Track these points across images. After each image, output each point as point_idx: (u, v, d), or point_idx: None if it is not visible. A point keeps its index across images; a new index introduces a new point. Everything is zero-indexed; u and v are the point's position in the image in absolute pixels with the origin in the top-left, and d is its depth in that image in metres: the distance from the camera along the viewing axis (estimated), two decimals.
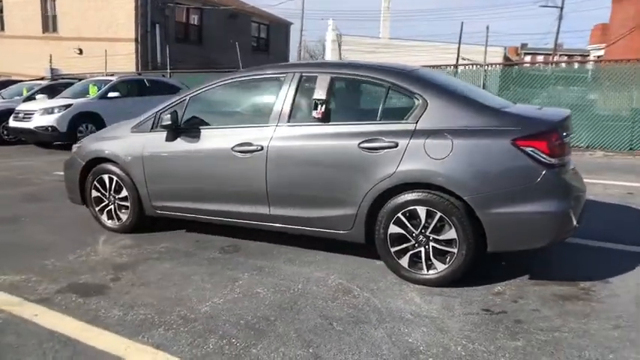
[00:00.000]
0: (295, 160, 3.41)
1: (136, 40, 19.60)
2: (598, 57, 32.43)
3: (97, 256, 3.83)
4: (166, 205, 4.01)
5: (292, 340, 2.56)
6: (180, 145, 3.81)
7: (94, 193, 4.34)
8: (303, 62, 3.84)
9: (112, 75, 13.40)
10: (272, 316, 2.82)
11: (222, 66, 17.76)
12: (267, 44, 27.01)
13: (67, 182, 4.58)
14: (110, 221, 4.34)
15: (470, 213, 2.97)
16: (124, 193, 4.18)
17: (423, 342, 2.53)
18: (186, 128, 3.80)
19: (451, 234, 3.01)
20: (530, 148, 2.83)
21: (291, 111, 3.47)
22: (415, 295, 3.07)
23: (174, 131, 3.80)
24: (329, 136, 3.32)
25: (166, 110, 3.95)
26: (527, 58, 48.55)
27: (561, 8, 36.22)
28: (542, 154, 2.82)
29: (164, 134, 3.89)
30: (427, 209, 3.05)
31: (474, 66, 12.03)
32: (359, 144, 3.18)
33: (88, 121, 10.66)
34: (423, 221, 3.07)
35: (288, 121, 3.46)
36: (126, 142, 4.11)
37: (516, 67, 17.61)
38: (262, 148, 3.47)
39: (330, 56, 29.97)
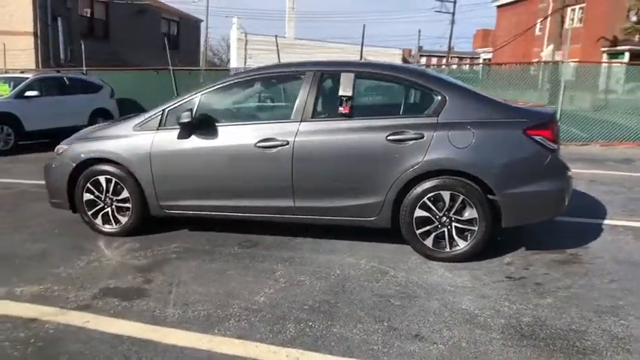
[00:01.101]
0: (323, 153, 3.58)
1: (35, 34, 17.71)
2: (485, 59, 36.15)
3: (109, 260, 3.66)
4: (178, 205, 3.93)
5: (363, 318, 2.77)
6: (196, 142, 3.77)
7: (87, 197, 4.09)
8: (321, 61, 4.00)
9: (22, 72, 12.06)
10: (331, 300, 2.99)
11: (134, 64, 16.88)
12: (178, 42, 26.00)
13: (50, 186, 4.24)
14: (107, 225, 4.12)
15: (487, 194, 3.40)
16: (125, 194, 4.01)
17: (474, 307, 2.90)
18: (201, 125, 3.75)
19: (472, 214, 3.42)
20: (539, 137, 3.34)
21: (315, 107, 3.63)
22: (444, 271, 3.43)
23: (190, 129, 3.74)
24: (356, 130, 3.55)
25: (175, 108, 3.88)
26: (423, 60, 52.33)
27: (453, 14, 39.65)
28: (547, 142, 3.35)
29: (175, 132, 3.82)
30: (451, 193, 3.43)
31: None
32: (386, 137, 3.46)
33: (1, 122, 9.57)
34: (447, 204, 3.44)
35: (313, 117, 3.62)
36: (128, 141, 3.94)
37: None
38: (288, 143, 3.59)
39: (235, 55, 29.62)
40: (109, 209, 4.09)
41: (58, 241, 4.06)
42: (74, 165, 4.05)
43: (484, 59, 35.25)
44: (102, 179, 4.03)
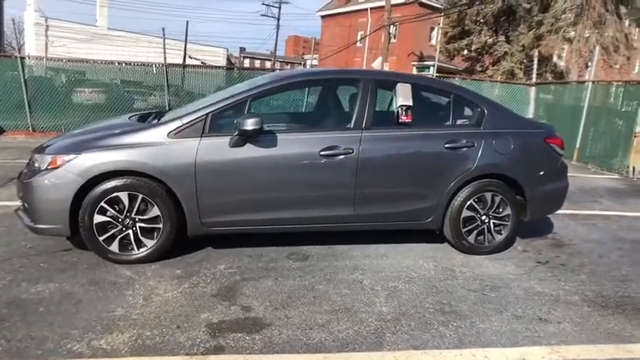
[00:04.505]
0: (387, 161, 3.69)
1: None
2: (312, 66, 38.66)
3: (169, 293, 3.08)
4: (225, 220, 3.52)
5: (485, 312, 3.06)
6: (253, 150, 3.44)
7: (99, 218, 3.33)
8: (372, 70, 4.05)
9: None
10: (443, 300, 3.19)
11: None
12: None
13: (40, 208, 3.30)
14: (128, 251, 3.42)
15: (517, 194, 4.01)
16: (154, 212, 3.40)
17: (547, 289, 3.46)
18: (257, 132, 3.43)
19: (507, 211, 3.99)
20: (553, 144, 4.09)
21: (374, 115, 3.71)
22: (491, 263, 3.93)
23: (247, 136, 3.40)
24: (416, 138, 3.76)
25: (221, 112, 3.49)
26: (247, 61, 53.07)
27: (278, 19, 41.24)
28: (558, 148, 4.13)
29: (225, 139, 3.42)
30: (492, 194, 3.93)
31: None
32: (444, 144, 3.77)
33: None
34: (489, 204, 3.94)
35: (374, 125, 3.69)
36: (164, 149, 3.35)
37: (236, 70, 17.57)
38: (353, 151, 3.59)
39: (33, 42, 25.46)
40: (129, 232, 3.41)
41: (65, 278, 3.21)
42: (83, 181, 3.25)
43: (310, 65, 37.64)
44: (123, 196, 3.33)
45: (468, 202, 3.90)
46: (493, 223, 4.01)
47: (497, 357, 2.55)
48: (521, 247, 4.38)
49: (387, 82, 3.91)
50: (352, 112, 3.73)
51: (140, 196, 3.36)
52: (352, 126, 3.68)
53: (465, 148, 3.82)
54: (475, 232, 3.98)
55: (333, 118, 4.02)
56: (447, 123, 3.97)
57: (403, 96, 3.75)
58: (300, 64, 43.50)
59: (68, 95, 11.33)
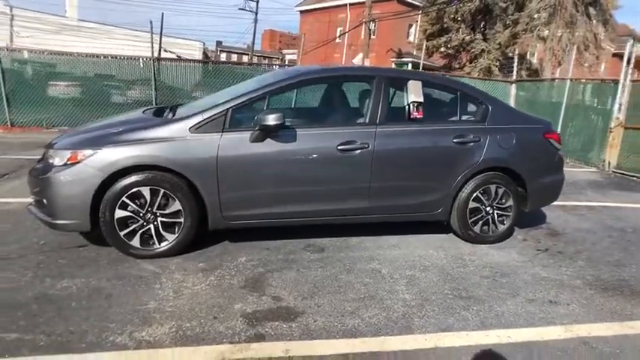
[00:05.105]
0: (400, 155, 3.83)
1: None
2: (290, 61, 38.56)
3: (197, 286, 3.14)
4: (246, 214, 3.60)
5: (500, 296, 3.25)
6: (273, 145, 3.52)
7: (120, 213, 3.35)
8: (382, 67, 4.16)
9: None
10: (459, 286, 3.36)
11: None
12: None
13: (59, 204, 3.29)
14: (147, 246, 3.45)
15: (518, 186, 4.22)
16: (176, 206, 3.44)
17: (551, 275, 3.68)
18: (277, 127, 3.51)
19: (509, 202, 4.20)
20: (552, 139, 4.31)
21: (388, 111, 3.84)
22: (496, 251, 4.12)
23: (268, 131, 3.48)
24: (428, 133, 3.92)
25: (241, 107, 3.55)
26: (223, 55, 52.43)
27: (256, 13, 40.89)
28: (556, 143, 4.35)
29: (246, 134, 3.49)
30: (496, 186, 4.12)
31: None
32: (453, 139, 3.94)
33: None
34: (493, 195, 4.13)
35: (387, 120, 3.82)
36: (187, 144, 3.39)
37: (211, 64, 16.61)
38: (369, 146, 3.72)
39: None
40: (150, 226, 3.44)
41: (88, 273, 3.22)
42: (105, 176, 3.27)
43: (289, 61, 37.56)
44: (145, 191, 3.36)
45: (474, 194, 4.08)
46: (497, 213, 4.20)
47: (518, 337, 2.73)
48: (521, 236, 4.60)
49: (399, 79, 4.05)
50: (367, 108, 3.85)
51: (162, 190, 3.39)
52: (367, 121, 3.80)
53: (472, 143, 4.00)
54: (480, 222, 4.17)
55: (349, 114, 4.13)
56: (455, 119, 4.14)
57: (415, 93, 3.89)
58: (279, 59, 43.26)
59: (49, 89, 11.03)
